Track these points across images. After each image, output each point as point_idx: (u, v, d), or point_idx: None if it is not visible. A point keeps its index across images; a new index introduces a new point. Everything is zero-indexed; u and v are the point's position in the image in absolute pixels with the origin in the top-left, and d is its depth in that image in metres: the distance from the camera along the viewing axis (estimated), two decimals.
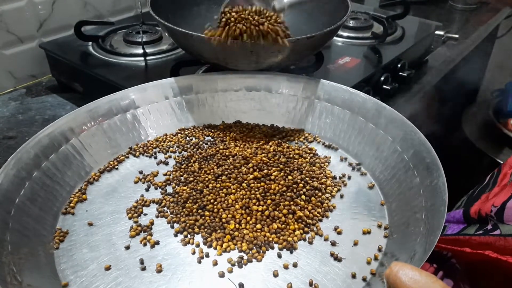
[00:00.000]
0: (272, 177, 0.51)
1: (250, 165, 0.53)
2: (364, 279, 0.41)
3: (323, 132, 0.60)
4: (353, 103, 0.58)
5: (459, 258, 0.51)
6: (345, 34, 0.88)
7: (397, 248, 0.43)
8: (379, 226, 0.47)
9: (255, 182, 0.51)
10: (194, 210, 0.48)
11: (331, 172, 0.54)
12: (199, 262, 0.43)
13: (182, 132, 0.61)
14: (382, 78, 0.79)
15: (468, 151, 1.40)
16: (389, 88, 0.79)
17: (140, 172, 0.54)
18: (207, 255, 0.44)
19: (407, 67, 0.85)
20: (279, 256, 0.44)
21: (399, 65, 0.83)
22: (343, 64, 0.77)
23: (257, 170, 0.52)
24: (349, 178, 0.53)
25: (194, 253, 0.44)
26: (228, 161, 0.54)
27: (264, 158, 0.54)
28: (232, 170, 0.52)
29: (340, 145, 0.58)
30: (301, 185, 0.50)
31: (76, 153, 0.53)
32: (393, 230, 0.46)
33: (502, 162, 0.60)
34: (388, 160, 0.52)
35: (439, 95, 1.31)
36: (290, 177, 0.51)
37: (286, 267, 0.42)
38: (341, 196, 0.51)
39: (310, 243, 0.45)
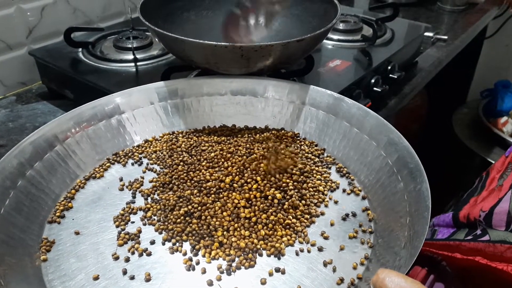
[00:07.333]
0: (262, 184, 0.51)
1: (246, 175, 0.52)
2: (352, 283, 0.41)
3: (308, 136, 0.60)
4: (338, 108, 0.58)
5: (451, 263, 0.51)
6: (335, 37, 0.89)
7: (383, 253, 0.43)
8: (365, 231, 0.47)
9: (243, 189, 0.51)
10: (182, 217, 0.48)
11: (317, 177, 0.54)
12: (188, 270, 0.43)
13: (168, 137, 0.60)
14: (373, 81, 0.79)
15: (458, 151, 1.40)
16: (379, 90, 0.79)
17: (120, 180, 0.54)
18: (196, 263, 0.44)
19: (397, 69, 0.85)
20: (267, 262, 0.44)
21: (389, 67, 0.83)
22: (334, 67, 0.77)
23: (245, 177, 0.52)
24: (335, 182, 0.53)
25: (182, 261, 0.44)
26: (214, 167, 0.54)
27: (250, 164, 0.54)
28: (218, 177, 0.52)
29: (325, 150, 0.58)
30: (289, 191, 0.50)
31: (61, 160, 0.53)
32: (378, 235, 0.46)
33: (493, 162, 0.60)
34: (373, 164, 0.52)
35: (430, 96, 1.32)
36: (279, 180, 0.51)
37: (274, 273, 0.43)
38: (327, 201, 0.51)
39: (299, 249, 0.45)
